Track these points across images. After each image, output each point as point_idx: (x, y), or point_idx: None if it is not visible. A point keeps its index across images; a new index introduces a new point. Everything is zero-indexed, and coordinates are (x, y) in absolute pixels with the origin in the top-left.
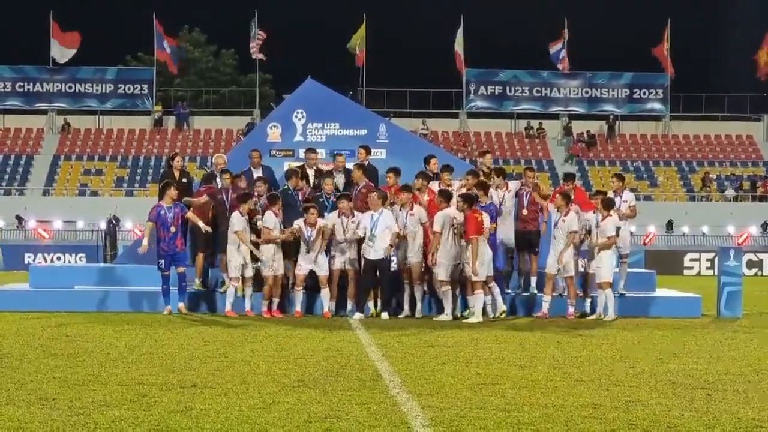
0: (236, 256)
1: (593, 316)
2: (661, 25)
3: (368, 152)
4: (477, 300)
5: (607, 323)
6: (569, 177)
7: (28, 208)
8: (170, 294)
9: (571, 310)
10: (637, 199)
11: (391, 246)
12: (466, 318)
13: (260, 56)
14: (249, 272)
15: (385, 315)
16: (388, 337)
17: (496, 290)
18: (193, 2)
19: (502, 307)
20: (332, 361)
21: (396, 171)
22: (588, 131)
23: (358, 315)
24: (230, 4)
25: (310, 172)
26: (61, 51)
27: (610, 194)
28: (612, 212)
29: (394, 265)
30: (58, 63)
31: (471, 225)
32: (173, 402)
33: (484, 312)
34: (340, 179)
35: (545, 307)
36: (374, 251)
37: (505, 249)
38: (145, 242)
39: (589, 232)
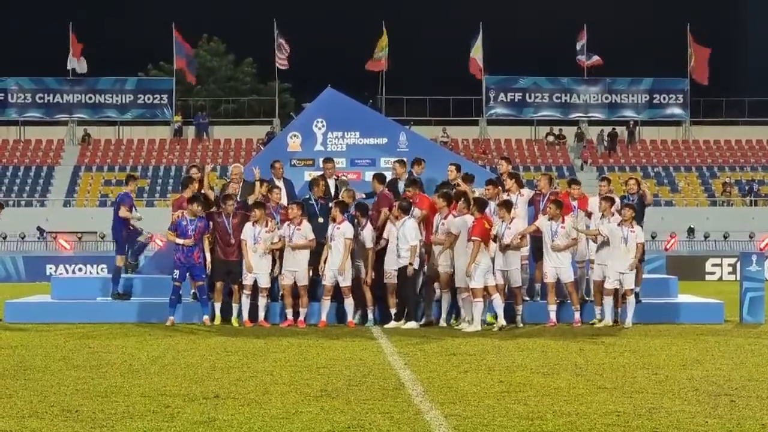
0: (252, 263)
1: (603, 323)
2: (680, 29)
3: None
4: (475, 308)
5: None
6: (575, 182)
7: (49, 220)
8: (177, 306)
9: (577, 316)
10: (658, 204)
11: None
12: (459, 326)
13: (285, 66)
14: (248, 280)
15: (412, 324)
16: (410, 345)
17: (498, 301)
18: (212, 11)
19: (501, 321)
20: (355, 370)
21: (415, 183)
22: (601, 131)
23: (412, 324)
24: (249, 14)
25: (330, 182)
26: (77, 63)
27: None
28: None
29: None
30: (78, 74)
31: (476, 228)
32: (196, 413)
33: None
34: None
35: (552, 315)
36: (402, 260)
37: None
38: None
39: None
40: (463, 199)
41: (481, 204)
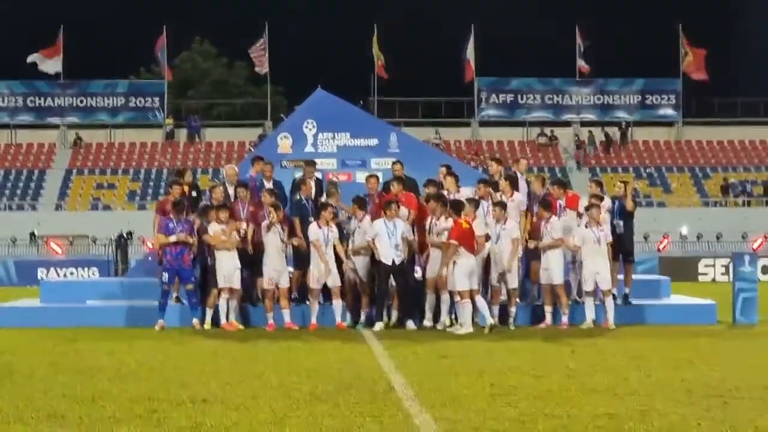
0: (226, 264)
1: (585, 324)
2: (671, 29)
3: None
4: (464, 309)
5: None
6: (561, 184)
7: (41, 223)
8: (166, 309)
9: (564, 319)
10: (650, 205)
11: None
12: (451, 328)
13: (265, 69)
14: (237, 283)
15: (411, 324)
16: (401, 348)
17: (482, 303)
18: (205, 14)
19: (490, 320)
20: (345, 373)
21: (400, 180)
22: (590, 132)
23: (378, 325)
24: (242, 16)
25: (311, 183)
26: (48, 62)
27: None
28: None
29: (418, 275)
30: (69, 77)
31: (453, 230)
32: (183, 417)
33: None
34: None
35: (548, 318)
36: (397, 257)
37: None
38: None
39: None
40: (440, 202)
41: (457, 206)
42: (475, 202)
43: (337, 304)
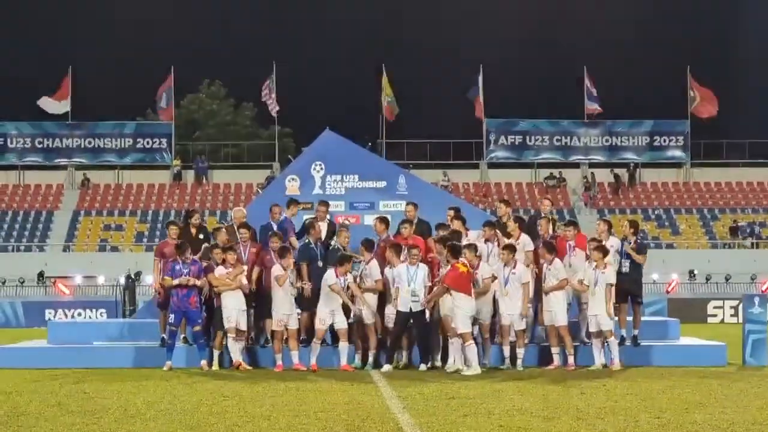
0: (231, 306)
1: (594, 366)
2: (680, 71)
3: (416, 207)
4: (470, 351)
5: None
6: (573, 225)
7: (48, 264)
8: (173, 349)
9: (570, 360)
10: (659, 246)
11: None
12: (462, 370)
13: (276, 109)
14: (243, 325)
15: (423, 367)
16: (409, 389)
17: (456, 345)
18: (212, 56)
19: (476, 369)
20: (353, 414)
21: (409, 222)
22: (592, 174)
23: (387, 367)
24: (249, 58)
25: (322, 225)
26: (56, 104)
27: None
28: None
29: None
30: (77, 118)
31: (448, 274)
32: None
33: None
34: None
35: (556, 359)
36: (414, 304)
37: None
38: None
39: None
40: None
41: (454, 250)
42: (474, 247)
43: (343, 346)
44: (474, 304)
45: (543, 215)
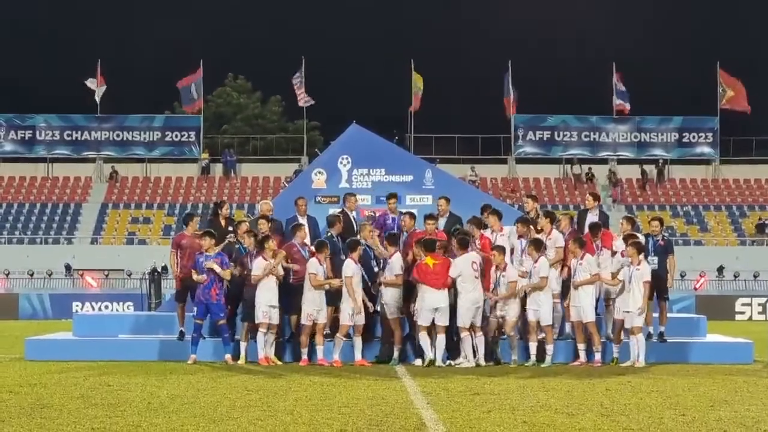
0: (265, 300)
1: (627, 363)
2: (709, 67)
3: (448, 202)
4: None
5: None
6: (597, 226)
7: (76, 257)
8: (198, 342)
9: (597, 357)
10: (687, 243)
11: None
12: (457, 363)
13: (309, 102)
14: (275, 319)
15: (449, 361)
16: (433, 384)
17: (441, 339)
18: (239, 49)
19: (429, 355)
20: (376, 409)
21: (433, 217)
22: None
23: (419, 361)
24: (277, 51)
25: (352, 216)
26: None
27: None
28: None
29: None
30: (105, 111)
31: (417, 267)
32: None
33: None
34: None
35: (582, 355)
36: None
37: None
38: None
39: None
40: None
41: (427, 244)
42: (502, 249)
43: (357, 341)
44: (441, 296)
45: (528, 212)
